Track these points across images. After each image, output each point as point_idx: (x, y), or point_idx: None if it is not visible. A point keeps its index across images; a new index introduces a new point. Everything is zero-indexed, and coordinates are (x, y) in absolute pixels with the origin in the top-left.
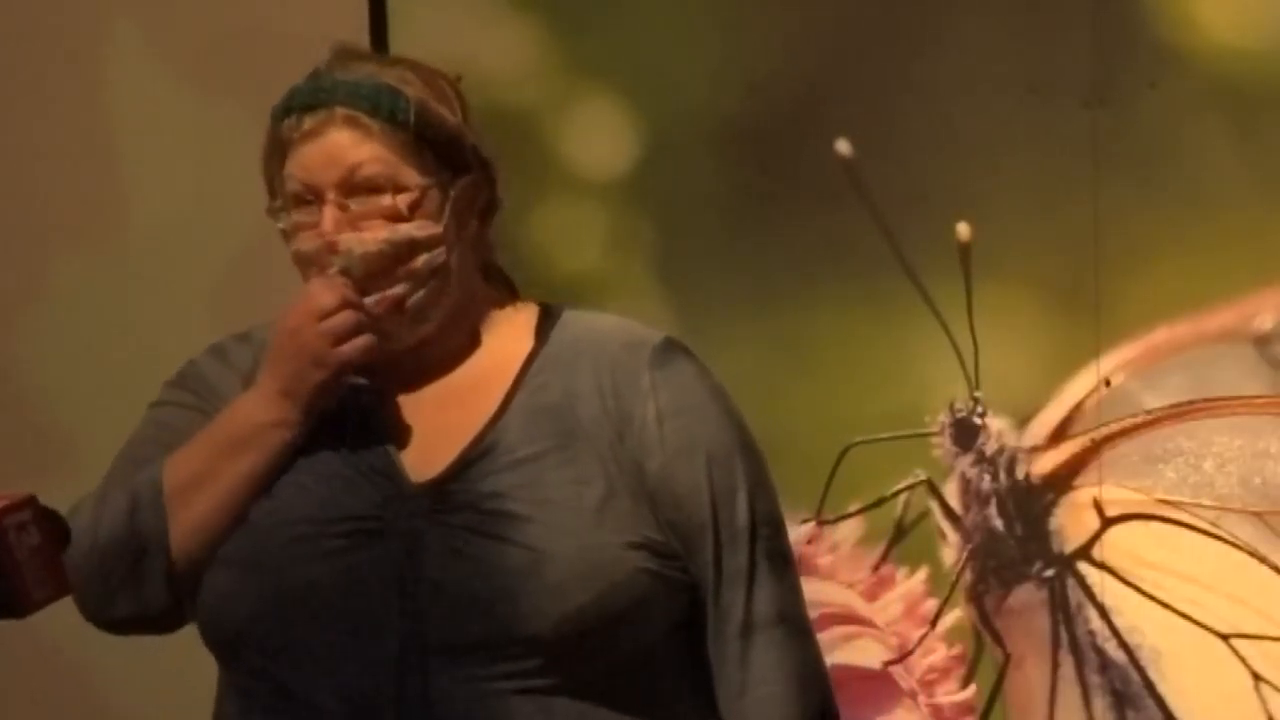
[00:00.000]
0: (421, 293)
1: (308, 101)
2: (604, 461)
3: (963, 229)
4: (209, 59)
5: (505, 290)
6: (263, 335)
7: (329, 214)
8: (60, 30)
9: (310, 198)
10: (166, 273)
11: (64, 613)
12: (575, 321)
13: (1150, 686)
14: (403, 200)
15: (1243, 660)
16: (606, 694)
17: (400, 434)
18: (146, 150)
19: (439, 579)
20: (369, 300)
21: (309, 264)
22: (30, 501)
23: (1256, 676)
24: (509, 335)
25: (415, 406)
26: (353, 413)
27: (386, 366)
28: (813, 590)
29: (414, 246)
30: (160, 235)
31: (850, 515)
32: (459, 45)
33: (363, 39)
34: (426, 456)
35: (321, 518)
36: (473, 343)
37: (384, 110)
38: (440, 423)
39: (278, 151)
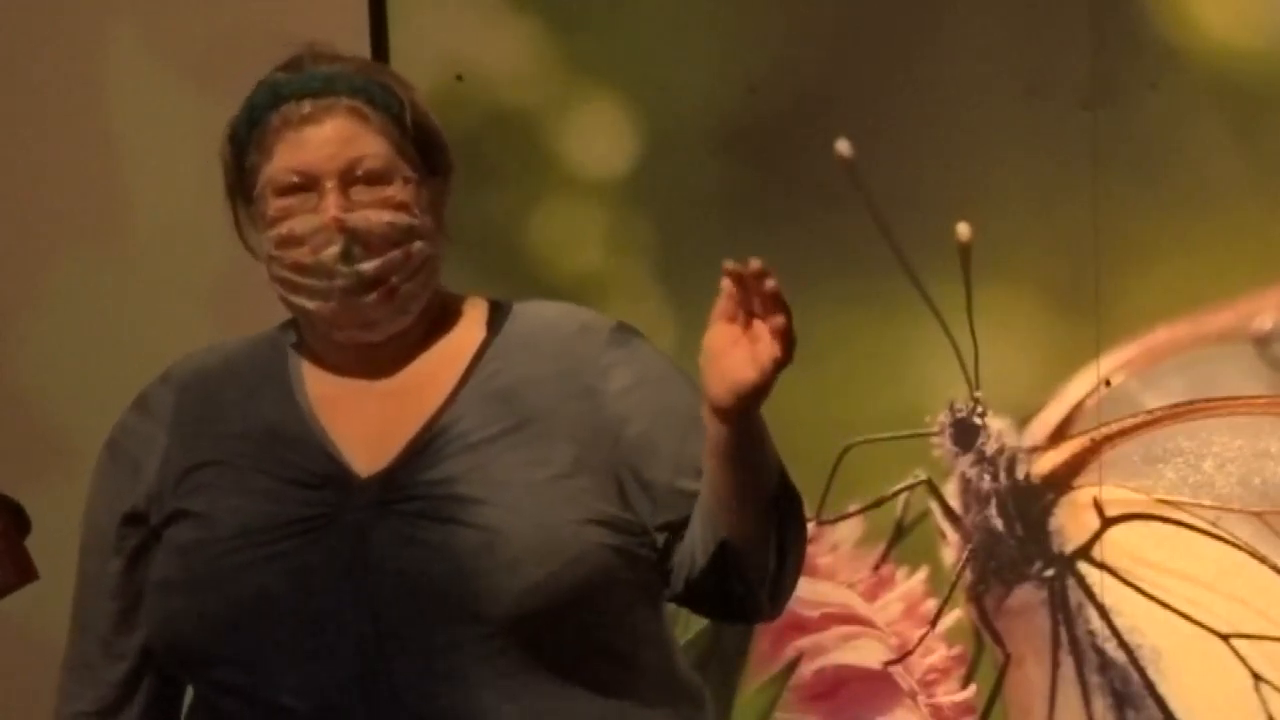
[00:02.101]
0: (412, 283)
1: (307, 89)
2: (562, 441)
3: (963, 229)
4: (209, 59)
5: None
6: (181, 372)
7: (332, 199)
8: (60, 30)
9: (303, 183)
10: (166, 273)
11: (62, 613)
12: (526, 311)
13: (1150, 686)
14: (407, 192)
15: (1243, 660)
16: (574, 671)
17: (346, 434)
18: (147, 150)
19: (393, 567)
20: (369, 268)
21: (298, 244)
22: None
23: (1256, 676)
24: (460, 327)
25: (364, 400)
26: (287, 429)
27: (335, 357)
28: (813, 590)
29: (412, 234)
30: (161, 236)
31: (850, 515)
32: (459, 45)
33: (363, 39)
34: (377, 451)
35: (260, 527)
36: (426, 338)
37: (381, 103)
38: (392, 416)
39: (262, 140)
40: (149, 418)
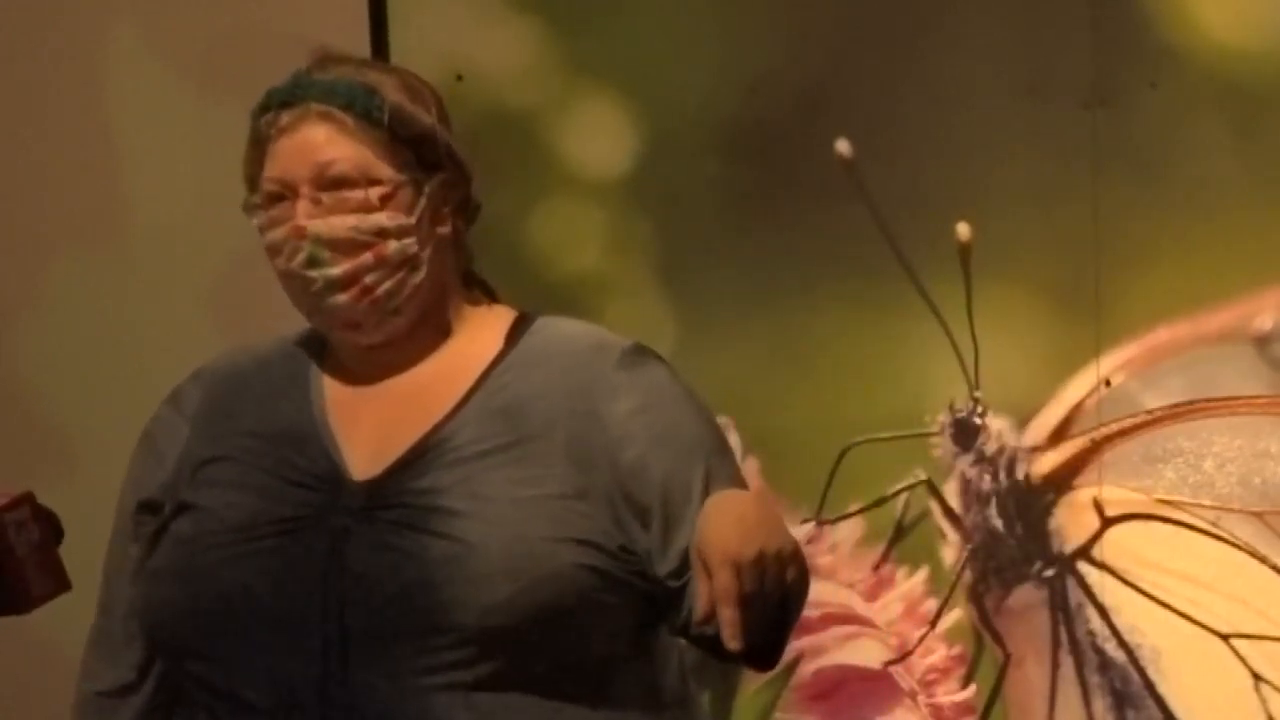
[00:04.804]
0: (390, 282)
1: (284, 99)
2: (559, 461)
3: (963, 229)
4: (209, 59)
5: (485, 297)
6: (211, 369)
7: (302, 206)
8: (60, 30)
9: (285, 193)
10: (166, 273)
11: (64, 612)
12: (547, 327)
13: (1150, 686)
14: (374, 193)
15: (1243, 660)
16: (541, 686)
17: (353, 437)
18: (146, 150)
19: (362, 572)
20: (336, 272)
21: (277, 253)
22: (28, 499)
23: (1256, 676)
24: (479, 338)
25: (375, 405)
26: (298, 429)
27: (354, 362)
28: (813, 590)
29: (383, 234)
30: (160, 235)
31: (850, 515)
32: (459, 45)
33: (363, 39)
34: (377, 456)
35: (248, 524)
36: (441, 343)
37: (358, 106)
38: (398, 423)
39: (257, 150)
40: (177, 411)
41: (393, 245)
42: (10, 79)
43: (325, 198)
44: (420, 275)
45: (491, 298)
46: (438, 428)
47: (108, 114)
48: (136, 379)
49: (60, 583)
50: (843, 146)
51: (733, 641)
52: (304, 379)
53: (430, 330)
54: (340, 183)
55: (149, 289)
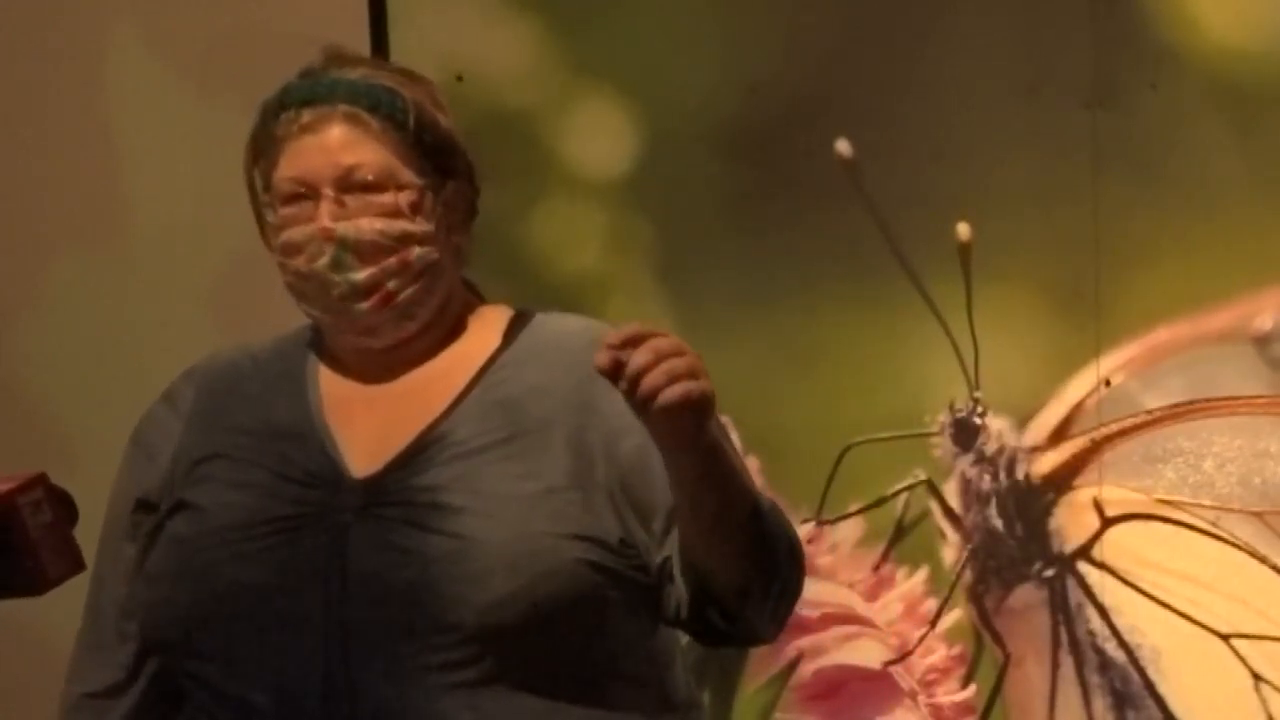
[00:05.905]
0: (412, 289)
1: (307, 97)
2: (558, 455)
3: (963, 229)
4: (209, 59)
5: (476, 299)
6: (204, 368)
7: (326, 207)
8: (60, 30)
9: (304, 192)
10: (166, 273)
11: (62, 612)
12: (544, 323)
13: (1150, 686)
14: (402, 198)
15: (1243, 660)
16: (543, 684)
17: (350, 436)
18: (146, 150)
19: (364, 570)
20: (360, 276)
21: (297, 252)
22: (41, 480)
23: (1256, 676)
24: (477, 335)
25: (372, 403)
26: (293, 427)
27: (352, 362)
28: (813, 590)
29: (408, 240)
30: (160, 235)
31: (850, 515)
32: (459, 45)
33: (363, 39)
34: (376, 454)
35: (247, 522)
36: (441, 344)
37: (384, 109)
38: (396, 420)
39: (269, 148)
40: (171, 410)
41: (416, 251)
42: (10, 79)
43: (349, 200)
44: (439, 283)
45: (480, 298)
46: (436, 424)
47: (108, 114)
48: (136, 379)
49: (75, 563)
50: (843, 146)
51: (601, 356)
52: (300, 377)
53: (435, 334)
54: (365, 185)
55: (149, 289)
